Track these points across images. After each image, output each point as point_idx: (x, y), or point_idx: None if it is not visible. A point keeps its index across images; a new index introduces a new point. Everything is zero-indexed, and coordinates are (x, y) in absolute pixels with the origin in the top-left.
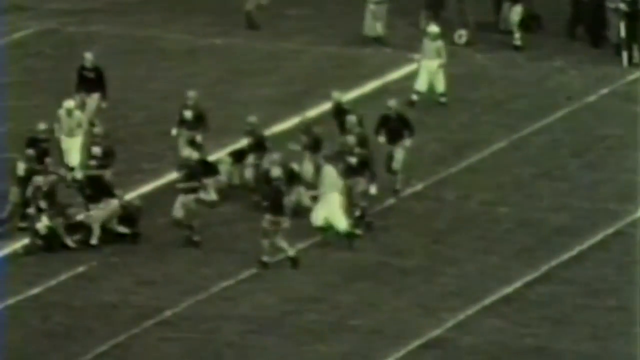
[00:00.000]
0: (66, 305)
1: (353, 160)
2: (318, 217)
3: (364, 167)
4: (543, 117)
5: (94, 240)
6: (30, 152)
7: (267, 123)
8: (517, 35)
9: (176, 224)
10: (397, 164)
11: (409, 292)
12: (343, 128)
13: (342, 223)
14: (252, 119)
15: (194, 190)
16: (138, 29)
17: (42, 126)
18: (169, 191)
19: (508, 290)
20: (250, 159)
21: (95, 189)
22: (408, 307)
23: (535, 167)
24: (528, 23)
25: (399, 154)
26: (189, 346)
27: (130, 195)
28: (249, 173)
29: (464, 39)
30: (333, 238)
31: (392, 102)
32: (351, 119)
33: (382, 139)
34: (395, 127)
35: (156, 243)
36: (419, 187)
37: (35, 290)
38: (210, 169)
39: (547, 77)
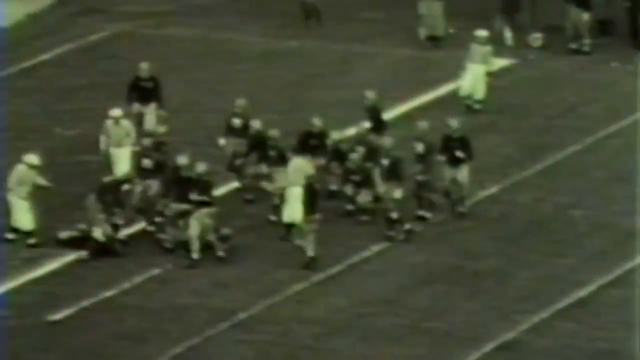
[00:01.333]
0: (140, 308)
1: (385, 162)
2: (290, 214)
3: (396, 172)
4: (616, 121)
5: (167, 244)
6: (147, 162)
7: (340, 126)
8: (586, 40)
9: (192, 241)
10: (463, 189)
11: (483, 295)
12: (376, 129)
13: (298, 216)
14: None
15: (206, 204)
16: (213, 32)
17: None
18: (244, 193)
19: (582, 293)
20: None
21: (182, 189)
22: (482, 310)
23: (609, 171)
24: (602, 28)
25: (464, 178)
26: (263, 348)
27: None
28: (242, 182)
29: (538, 42)
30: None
31: (454, 123)
32: (423, 124)
33: (442, 158)
34: (455, 148)
35: (231, 245)
36: (494, 190)
37: (109, 293)
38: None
39: (619, 81)
